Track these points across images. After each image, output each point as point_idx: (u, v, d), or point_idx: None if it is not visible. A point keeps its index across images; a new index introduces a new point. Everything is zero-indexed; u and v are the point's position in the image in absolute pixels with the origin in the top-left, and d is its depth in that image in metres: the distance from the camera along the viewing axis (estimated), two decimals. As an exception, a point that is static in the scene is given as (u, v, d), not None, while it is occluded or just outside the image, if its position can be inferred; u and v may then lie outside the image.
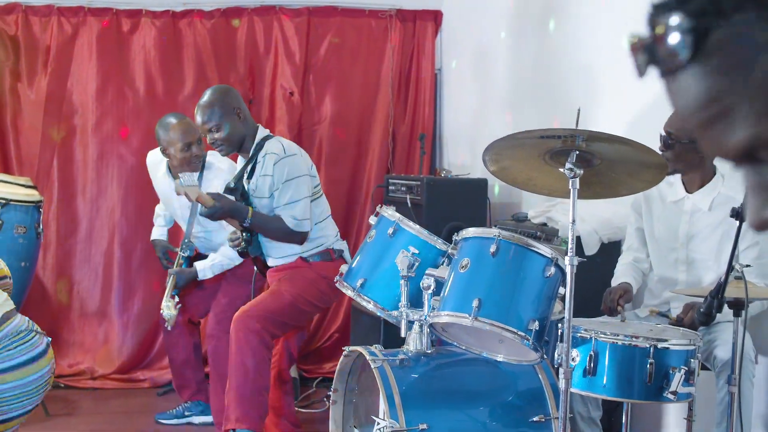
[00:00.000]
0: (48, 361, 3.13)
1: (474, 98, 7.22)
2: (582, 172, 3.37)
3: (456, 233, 3.90)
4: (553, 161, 3.53)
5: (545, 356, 3.72)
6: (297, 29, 7.33)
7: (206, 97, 5.19)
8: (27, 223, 5.89)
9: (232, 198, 5.12)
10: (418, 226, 4.16)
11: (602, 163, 3.48)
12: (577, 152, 3.39)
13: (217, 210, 4.95)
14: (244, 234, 5.14)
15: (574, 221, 3.40)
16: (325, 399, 6.61)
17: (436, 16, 7.62)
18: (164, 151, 5.69)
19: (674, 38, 1.00)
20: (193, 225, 5.85)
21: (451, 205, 6.27)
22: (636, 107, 5.02)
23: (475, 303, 3.55)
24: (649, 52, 1.05)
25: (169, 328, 5.62)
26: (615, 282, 4.50)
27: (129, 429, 6.11)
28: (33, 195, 6.02)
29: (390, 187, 6.71)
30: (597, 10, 5.51)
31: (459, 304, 3.64)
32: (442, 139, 7.70)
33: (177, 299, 5.57)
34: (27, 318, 3.21)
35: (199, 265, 5.74)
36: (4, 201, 5.74)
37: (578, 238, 4.87)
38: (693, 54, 1.00)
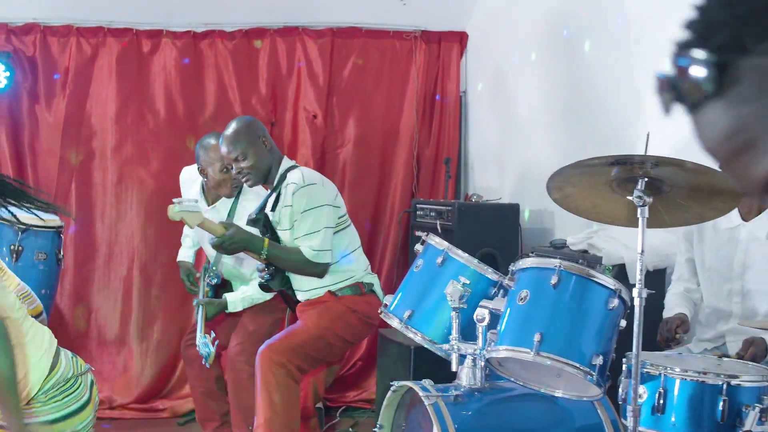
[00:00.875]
0: (92, 410, 2.96)
1: (500, 121, 7.07)
2: (651, 200, 3.21)
3: (512, 264, 3.73)
4: (620, 189, 3.37)
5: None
6: (320, 51, 7.18)
7: (231, 127, 5.04)
8: (47, 249, 5.72)
9: (254, 229, 4.96)
10: (467, 255, 4.00)
11: (671, 191, 3.31)
12: (646, 179, 3.23)
13: (226, 240, 4.77)
14: (270, 266, 4.97)
15: (642, 252, 3.23)
16: (350, 429, 6.51)
17: (461, 38, 7.48)
18: (202, 171, 5.51)
19: (698, 72, 1.05)
20: (221, 255, 5.67)
21: (483, 231, 6.11)
22: (683, 131, 4.85)
23: (536, 337, 3.39)
24: (674, 88, 1.10)
25: (208, 366, 5.42)
26: (668, 312, 4.33)
27: (150, 461, 5.93)
28: (53, 220, 5.85)
29: (418, 212, 6.55)
30: (638, 29, 5.35)
31: (519, 338, 3.48)
32: (467, 162, 7.54)
33: (213, 334, 5.37)
34: (69, 354, 3.03)
35: (230, 297, 5.55)
36: (24, 227, 5.57)
37: (622, 266, 4.75)
38: (717, 87, 1.04)
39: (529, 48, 6.63)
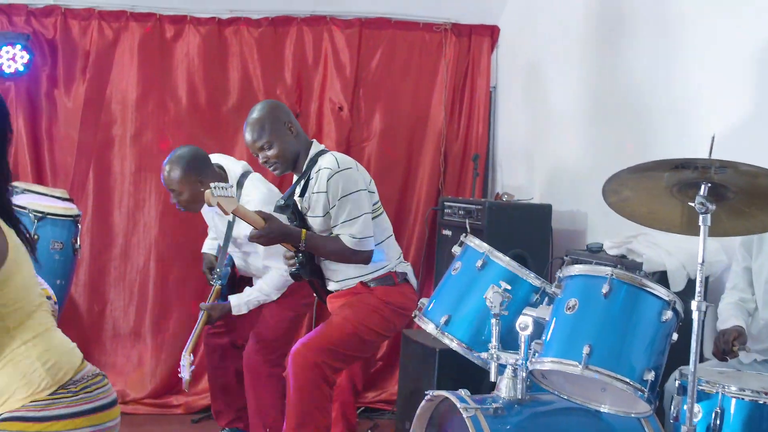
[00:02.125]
0: (119, 411, 2.80)
1: (531, 118, 6.87)
2: (714, 207, 3.01)
3: (559, 268, 3.53)
4: (680, 194, 3.16)
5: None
6: (348, 41, 6.99)
7: (255, 113, 4.76)
8: (64, 238, 5.56)
9: (282, 216, 4.75)
10: (508, 258, 3.81)
11: (735, 197, 3.11)
12: (709, 184, 3.02)
13: (266, 234, 4.53)
14: (299, 254, 4.73)
15: (703, 262, 3.03)
16: (370, 431, 6.33)
17: (492, 32, 7.27)
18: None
19: None
20: (226, 253, 5.49)
21: (514, 232, 5.92)
22: (735, 131, 4.64)
23: (585, 349, 3.20)
24: None
25: (186, 390, 5.25)
26: (722, 323, 4.13)
27: (164, 459, 5.75)
28: (70, 209, 5.68)
29: (445, 210, 6.37)
30: (686, 22, 5.15)
31: (566, 349, 3.28)
32: (495, 160, 7.34)
33: (192, 357, 5.18)
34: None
35: (233, 299, 5.36)
36: (40, 215, 5.41)
37: (663, 274, 4.55)
38: None
39: (564, 43, 6.43)
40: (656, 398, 3.27)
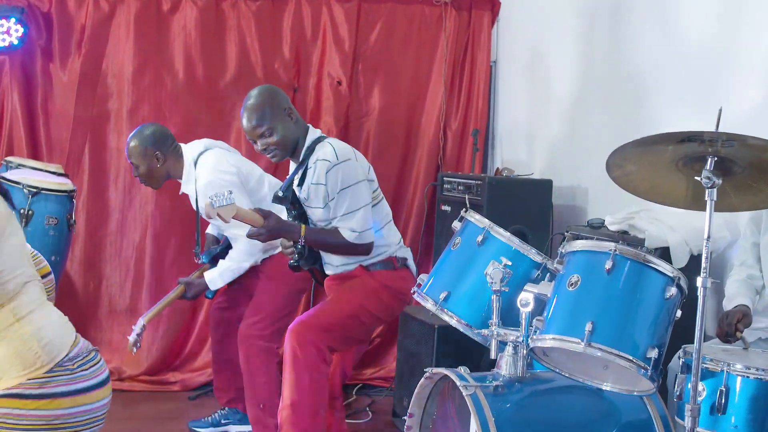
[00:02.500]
0: (110, 390, 2.77)
1: (532, 94, 6.79)
2: (721, 181, 2.94)
3: (560, 244, 3.47)
4: (686, 168, 3.10)
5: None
6: (347, 15, 6.90)
7: (253, 99, 4.65)
8: (59, 214, 5.50)
9: (281, 207, 4.73)
10: (509, 234, 3.74)
11: (743, 171, 3.04)
12: (716, 158, 2.95)
13: (263, 233, 4.46)
14: (296, 245, 4.67)
15: (708, 238, 2.96)
16: (367, 409, 6.28)
17: (493, 5, 7.18)
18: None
19: None
20: (204, 233, 5.46)
21: (514, 208, 5.87)
22: (742, 105, 4.57)
23: (588, 326, 3.13)
24: None
25: (133, 353, 5.21)
26: (728, 301, 4.06)
27: (160, 437, 5.70)
28: (65, 184, 5.62)
29: (445, 185, 6.31)
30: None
31: (568, 326, 3.22)
32: (495, 135, 7.27)
33: (145, 326, 5.16)
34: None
35: (208, 275, 5.34)
36: (35, 189, 5.34)
37: (665, 250, 4.49)
38: None
39: (566, 17, 6.35)
40: (659, 376, 3.21)
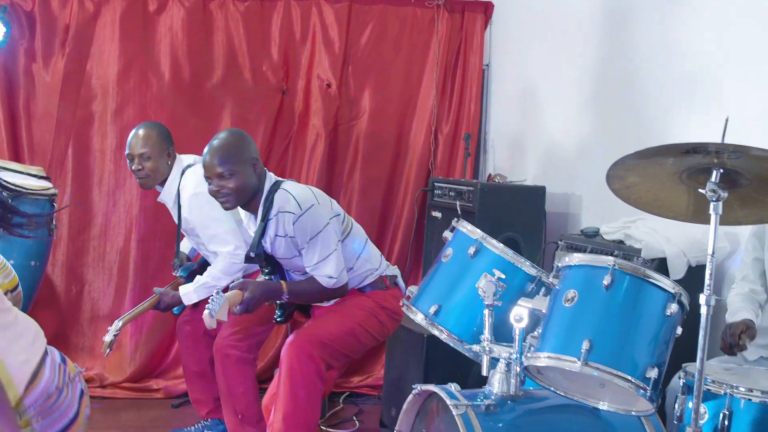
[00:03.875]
0: (79, 425, 2.44)
1: (525, 98, 6.67)
2: (726, 194, 2.81)
3: (554, 253, 3.33)
4: (690, 180, 2.97)
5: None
6: (337, 16, 6.77)
7: (223, 137, 4.50)
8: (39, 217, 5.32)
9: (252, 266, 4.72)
10: (502, 246, 3.61)
11: (750, 184, 2.91)
12: (722, 170, 2.82)
13: (249, 302, 4.33)
14: (276, 303, 4.64)
15: (713, 254, 2.83)
16: (354, 418, 6.15)
17: (486, 8, 7.07)
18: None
19: None
20: (179, 245, 5.37)
21: (506, 215, 5.76)
22: (750, 114, 4.44)
23: (584, 345, 3.00)
24: None
25: (105, 355, 5.08)
26: (731, 315, 3.95)
27: (142, 447, 5.56)
28: (47, 187, 5.46)
29: (436, 191, 6.18)
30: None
31: (564, 344, 3.09)
32: (487, 140, 7.15)
33: (121, 327, 5.04)
34: (58, 359, 2.48)
35: (182, 289, 5.22)
36: (15, 192, 5.16)
37: (662, 261, 4.38)
38: None
39: (561, 20, 6.24)
40: (659, 396, 3.09)
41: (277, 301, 4.59)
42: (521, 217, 5.79)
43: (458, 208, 5.76)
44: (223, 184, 4.38)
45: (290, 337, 4.46)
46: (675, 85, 5.05)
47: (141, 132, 5.19)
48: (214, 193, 4.45)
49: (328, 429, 5.85)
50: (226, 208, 4.53)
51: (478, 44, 7.06)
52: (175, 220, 5.32)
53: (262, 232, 4.48)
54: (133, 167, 5.19)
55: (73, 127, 6.39)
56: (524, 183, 6.13)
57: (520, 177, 6.31)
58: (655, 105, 5.20)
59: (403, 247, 6.88)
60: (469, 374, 5.23)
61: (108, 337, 4.98)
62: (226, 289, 4.52)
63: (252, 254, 4.53)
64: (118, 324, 5.04)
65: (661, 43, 5.21)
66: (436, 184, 6.23)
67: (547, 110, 6.37)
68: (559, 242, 5.05)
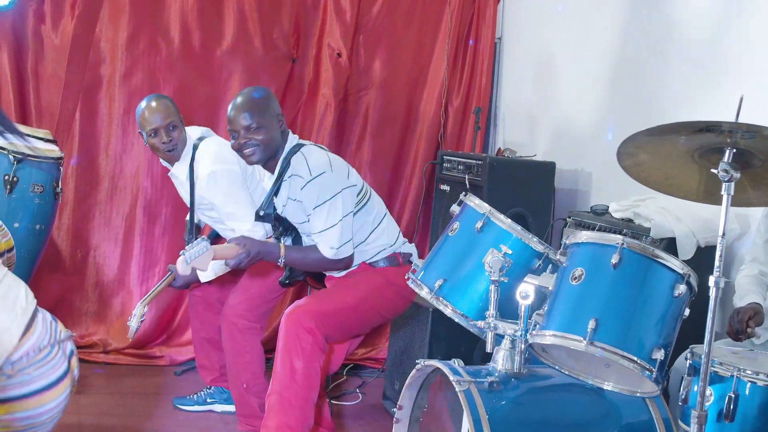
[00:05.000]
0: (67, 385, 2.40)
1: (538, 73, 6.61)
2: (739, 175, 2.76)
3: (562, 230, 3.29)
4: (702, 160, 2.91)
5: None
6: (349, -16, 6.70)
7: (250, 91, 4.52)
8: (45, 181, 5.27)
9: (263, 225, 4.65)
10: (510, 221, 3.56)
11: (763, 165, 2.86)
12: (735, 150, 2.77)
13: (243, 259, 4.29)
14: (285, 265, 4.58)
15: (724, 235, 2.78)
16: (357, 390, 6.12)
17: (499, -19, 7.00)
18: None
19: None
20: (194, 221, 5.30)
21: (515, 190, 5.70)
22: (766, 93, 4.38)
23: (591, 324, 2.96)
24: None
25: (130, 339, 5.04)
26: (739, 298, 3.90)
27: (144, 414, 5.53)
28: (53, 151, 5.41)
29: (444, 164, 6.13)
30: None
31: (570, 323, 3.05)
32: (498, 114, 7.08)
33: (146, 311, 5.00)
34: (49, 317, 2.46)
35: None
36: (20, 156, 5.13)
37: (671, 241, 4.33)
38: None
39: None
40: (664, 378, 3.05)
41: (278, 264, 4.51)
42: (530, 193, 5.74)
43: (467, 182, 5.72)
44: (251, 136, 4.37)
45: (289, 309, 4.40)
46: (690, 63, 4.99)
47: (155, 103, 5.07)
48: (239, 147, 4.42)
49: (333, 401, 5.80)
50: (251, 162, 4.49)
51: (490, 17, 7.00)
52: (184, 195, 5.26)
53: (276, 192, 4.44)
54: (159, 141, 5.04)
55: (81, 90, 6.33)
56: (534, 158, 6.07)
57: (530, 152, 6.24)
58: (666, 81, 5.14)
59: (410, 220, 6.85)
60: (473, 350, 5.21)
61: (134, 324, 4.94)
62: (215, 243, 4.49)
63: (261, 212, 4.50)
64: (142, 309, 4.99)
65: (671, 17, 5.14)
66: (445, 157, 6.17)
67: (560, 86, 6.30)
68: (568, 219, 5.01)
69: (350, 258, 4.51)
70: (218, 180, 4.93)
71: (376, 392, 6.08)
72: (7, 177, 5.05)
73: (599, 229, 4.66)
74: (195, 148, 5.11)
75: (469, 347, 5.22)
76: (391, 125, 6.92)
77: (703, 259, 4.32)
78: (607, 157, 5.51)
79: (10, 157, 5.08)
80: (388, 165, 6.86)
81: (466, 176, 5.76)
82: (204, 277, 5.09)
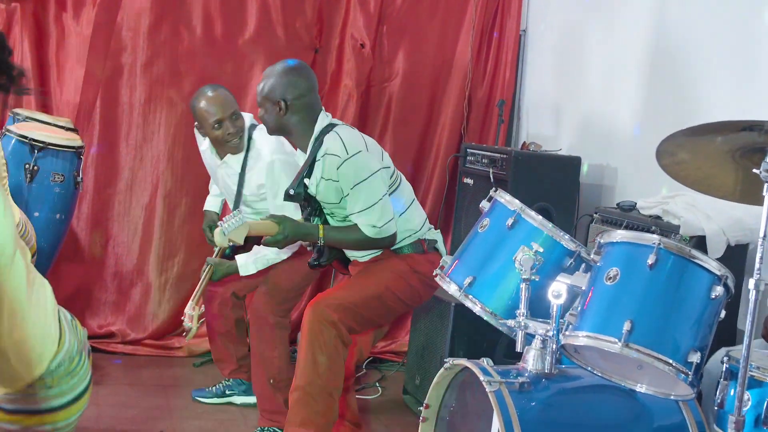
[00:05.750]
0: (90, 394, 2.32)
1: (563, 66, 6.53)
2: (781, 175, 2.69)
3: (588, 226, 3.23)
4: (743, 159, 2.85)
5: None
6: (374, -26, 6.64)
7: (279, 66, 4.55)
8: (65, 170, 5.27)
9: (292, 205, 4.58)
10: (541, 218, 3.49)
11: (807, 165, 2.79)
12: (776, 150, 2.71)
13: (281, 239, 4.27)
14: (313, 246, 4.49)
15: (765, 236, 2.71)
16: (377, 384, 6.07)
17: (525, -27, 6.93)
18: (199, 129, 5.13)
19: None
20: (233, 203, 5.26)
21: (540, 184, 5.64)
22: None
23: (626, 325, 2.90)
24: None
25: (186, 340, 5.01)
26: None
27: (163, 405, 5.49)
28: (74, 139, 5.38)
29: (468, 158, 6.06)
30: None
31: (604, 324, 2.99)
32: (521, 107, 7.01)
33: (203, 309, 4.96)
34: (69, 316, 2.32)
35: (240, 259, 5.10)
36: (41, 145, 5.11)
37: (701, 239, 4.27)
38: None
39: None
40: (699, 381, 2.99)
41: (315, 246, 4.46)
42: (555, 188, 5.67)
43: (491, 176, 5.65)
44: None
45: (312, 301, 4.34)
46: (724, 59, 4.89)
47: (214, 93, 5.05)
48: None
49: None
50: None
51: (516, 8, 6.93)
52: (231, 186, 5.22)
53: (309, 172, 4.38)
54: (225, 133, 5.04)
55: (102, 79, 6.27)
56: (559, 153, 5.99)
57: (554, 146, 6.17)
58: (701, 75, 5.03)
59: (432, 213, 6.78)
60: (495, 345, 5.15)
61: (193, 327, 4.96)
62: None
63: (291, 191, 4.41)
64: (196, 311, 4.98)
65: (708, 6, 5.05)
66: (468, 150, 6.11)
67: (585, 80, 6.21)
68: (594, 215, 4.94)
69: (394, 236, 4.41)
70: (278, 169, 4.90)
71: (396, 386, 6.03)
72: (27, 166, 5.04)
73: (627, 226, 4.59)
74: (250, 137, 5.08)
75: (491, 342, 5.16)
76: (413, 117, 6.85)
77: (731, 257, 4.25)
78: (633, 151, 5.47)
79: (31, 145, 5.05)
80: (410, 157, 6.79)
81: (491, 170, 5.69)
82: (244, 270, 5.05)
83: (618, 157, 5.73)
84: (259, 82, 4.51)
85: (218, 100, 5.03)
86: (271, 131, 4.54)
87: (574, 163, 5.73)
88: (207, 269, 5.10)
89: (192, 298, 5.07)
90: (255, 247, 5.10)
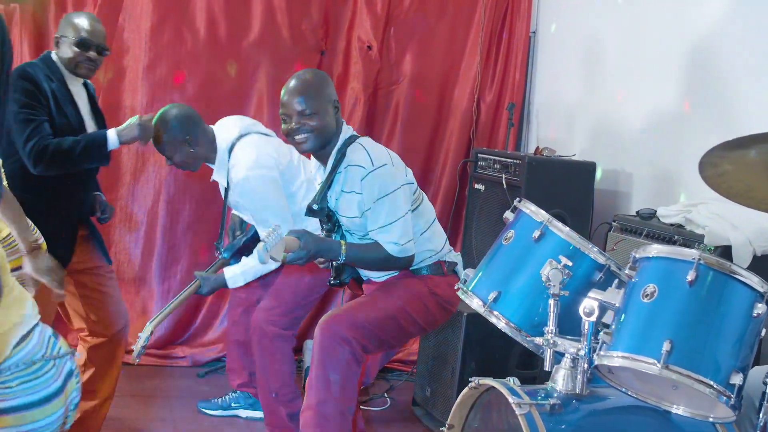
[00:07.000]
0: (61, 404, 2.22)
1: (574, 68, 6.40)
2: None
3: (607, 234, 3.09)
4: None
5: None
6: (380, -25, 6.53)
7: (306, 75, 4.22)
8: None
9: (313, 220, 4.39)
10: (568, 229, 3.34)
11: None
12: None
13: (303, 256, 3.99)
14: (333, 262, 4.26)
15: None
16: (385, 395, 5.94)
17: (534, -27, 6.83)
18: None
19: None
20: (226, 225, 5.15)
21: (553, 190, 5.50)
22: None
23: (665, 346, 2.74)
24: None
25: (135, 362, 4.86)
26: None
27: (167, 417, 5.37)
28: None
29: (479, 163, 5.92)
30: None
31: (642, 344, 2.83)
32: (531, 110, 6.88)
33: (152, 332, 4.81)
34: (49, 332, 2.26)
35: (228, 272, 4.95)
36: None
37: (726, 249, 4.13)
38: None
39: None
40: (740, 403, 2.83)
41: (333, 263, 4.27)
42: (569, 194, 5.52)
43: (504, 182, 5.52)
44: (304, 122, 4.10)
45: (323, 318, 4.15)
46: (746, 55, 4.73)
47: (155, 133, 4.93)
48: (289, 133, 4.15)
49: (360, 407, 5.63)
50: (302, 150, 4.22)
51: (525, 9, 6.85)
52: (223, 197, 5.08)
53: (329, 185, 4.19)
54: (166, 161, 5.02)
55: (104, 81, 6.13)
56: (573, 158, 5.85)
57: (566, 150, 6.03)
58: (724, 77, 4.88)
59: (440, 219, 6.60)
60: (508, 356, 5.03)
61: (137, 348, 4.80)
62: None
63: (315, 207, 4.21)
64: (149, 329, 4.85)
65: (733, 11, 4.90)
66: (479, 155, 5.97)
67: (598, 83, 6.09)
68: (613, 223, 4.80)
69: (412, 257, 4.20)
70: (252, 186, 4.73)
71: (405, 397, 5.92)
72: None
73: (647, 235, 4.46)
74: (230, 151, 4.88)
75: (503, 353, 5.06)
76: (421, 120, 6.76)
77: (759, 268, 4.09)
78: (649, 157, 5.33)
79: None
80: (418, 161, 6.67)
81: (503, 176, 5.55)
82: (233, 282, 4.91)
83: (633, 162, 5.59)
84: (293, 90, 4.15)
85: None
86: (322, 142, 4.17)
87: (588, 168, 5.59)
88: (192, 284, 4.98)
89: (156, 315, 4.95)
90: (243, 258, 4.98)
